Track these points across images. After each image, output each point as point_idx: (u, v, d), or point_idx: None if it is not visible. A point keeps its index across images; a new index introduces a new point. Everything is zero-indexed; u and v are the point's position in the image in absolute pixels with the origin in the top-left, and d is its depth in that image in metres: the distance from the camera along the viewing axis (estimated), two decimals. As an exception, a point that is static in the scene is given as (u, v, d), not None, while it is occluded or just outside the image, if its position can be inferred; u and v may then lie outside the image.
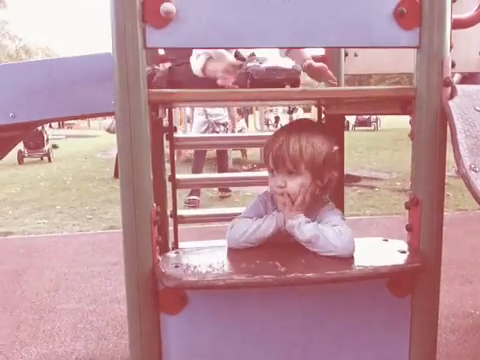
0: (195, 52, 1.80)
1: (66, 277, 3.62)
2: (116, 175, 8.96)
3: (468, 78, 1.88)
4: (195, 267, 1.24)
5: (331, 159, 1.40)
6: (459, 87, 1.30)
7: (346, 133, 2.24)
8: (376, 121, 22.61)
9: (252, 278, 1.16)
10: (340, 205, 2.24)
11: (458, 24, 1.36)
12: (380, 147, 13.41)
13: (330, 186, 1.46)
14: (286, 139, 1.37)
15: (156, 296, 1.29)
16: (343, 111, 2.01)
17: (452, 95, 1.27)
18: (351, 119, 20.32)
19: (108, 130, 10.10)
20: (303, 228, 1.32)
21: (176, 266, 1.26)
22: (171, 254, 1.39)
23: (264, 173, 1.81)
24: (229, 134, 5.97)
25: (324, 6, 1.25)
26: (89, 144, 16.60)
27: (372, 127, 22.60)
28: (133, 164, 1.24)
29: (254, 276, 1.16)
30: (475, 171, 1.13)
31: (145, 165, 1.26)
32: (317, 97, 1.49)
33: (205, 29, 1.23)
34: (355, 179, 7.34)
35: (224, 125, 6.77)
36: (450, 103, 1.25)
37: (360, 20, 1.27)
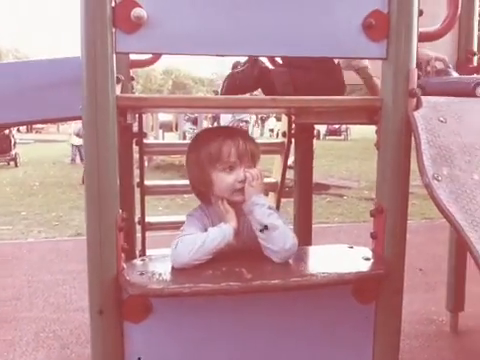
0: None
1: (29, 285, 3.52)
2: (84, 181, 8.78)
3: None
4: (160, 275, 1.23)
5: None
6: (424, 98, 1.33)
7: (317, 142, 2.28)
8: (346, 130, 22.99)
9: (218, 285, 1.16)
10: (308, 213, 2.27)
11: (425, 37, 1.39)
12: (349, 156, 13.63)
13: None
14: (238, 136, 1.39)
15: (120, 304, 1.27)
16: (312, 120, 2.03)
17: (417, 106, 1.31)
18: (322, 128, 20.58)
19: (77, 135, 9.95)
20: (265, 210, 1.32)
21: (141, 274, 1.24)
22: (137, 261, 1.37)
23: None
24: None
25: (295, 17, 1.27)
26: (58, 149, 16.25)
27: (342, 136, 22.95)
28: (99, 169, 1.22)
29: (220, 283, 1.16)
30: (438, 180, 1.16)
31: (111, 170, 1.25)
32: (287, 106, 1.50)
33: (176, 35, 1.23)
34: (324, 187, 7.44)
35: (246, 122, 7.25)
36: (415, 114, 1.28)
37: (330, 31, 1.29)
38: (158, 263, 1.35)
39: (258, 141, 1.63)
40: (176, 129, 12.83)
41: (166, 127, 13.26)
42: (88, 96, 1.21)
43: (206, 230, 1.35)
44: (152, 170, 8.32)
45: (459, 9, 1.41)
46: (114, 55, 1.22)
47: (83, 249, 1.29)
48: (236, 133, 1.44)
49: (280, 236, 1.30)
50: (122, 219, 1.30)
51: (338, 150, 15.48)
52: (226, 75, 1.89)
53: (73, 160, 12.50)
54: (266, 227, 1.30)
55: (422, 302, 3.00)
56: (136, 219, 2.23)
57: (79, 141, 12.06)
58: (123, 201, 1.96)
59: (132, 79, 2.14)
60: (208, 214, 1.44)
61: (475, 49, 2.30)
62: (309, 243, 2.23)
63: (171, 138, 14.17)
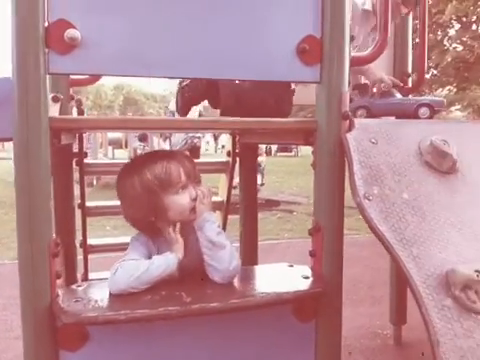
0: None
1: (-34, 311, 3.33)
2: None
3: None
4: (97, 301, 1.20)
5: None
6: (356, 120, 1.39)
7: (268, 159, 2.31)
8: (296, 147, 23.46)
9: (155, 311, 1.14)
10: (254, 230, 2.29)
11: (356, 61, 1.45)
12: (299, 172, 13.86)
13: None
14: (176, 157, 1.38)
15: (55, 332, 1.22)
16: (255, 140, 2.06)
17: (350, 128, 1.36)
18: (273, 145, 20.90)
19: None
20: (216, 227, 1.34)
21: (76, 300, 1.20)
22: (74, 287, 1.32)
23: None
24: None
25: (229, 40, 1.30)
26: (1, 166, 15.61)
27: (293, 153, 23.39)
28: (30, 192, 1.19)
29: (157, 309, 1.14)
30: (368, 199, 1.20)
31: (44, 193, 1.21)
32: (229, 127, 1.52)
33: (110, 57, 1.22)
34: (275, 203, 7.53)
35: (199, 138, 7.79)
36: (347, 136, 1.33)
37: (264, 55, 1.33)
38: (96, 289, 1.31)
39: (204, 160, 1.63)
40: (126, 146, 12.64)
41: (116, 144, 13.05)
42: (19, 117, 1.17)
43: (150, 257, 1.33)
44: (100, 189, 8.12)
45: (389, 34, 1.48)
46: (47, 76, 1.19)
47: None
48: (175, 154, 1.43)
49: (226, 255, 1.30)
50: (56, 244, 1.26)
51: (289, 166, 15.74)
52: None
53: None
54: (214, 244, 1.31)
55: (367, 316, 3.07)
56: (78, 242, 2.17)
57: None
58: (62, 224, 1.91)
59: (72, 98, 2.09)
60: (154, 240, 1.39)
61: (410, 71, 2.43)
62: (255, 261, 2.24)
63: (121, 155, 13.98)
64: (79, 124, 1.34)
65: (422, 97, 2.07)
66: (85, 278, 2.14)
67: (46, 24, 1.18)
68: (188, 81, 1.88)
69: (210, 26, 1.28)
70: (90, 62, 1.22)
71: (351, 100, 1.41)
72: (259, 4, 1.32)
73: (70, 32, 1.18)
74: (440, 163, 1.31)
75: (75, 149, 2.08)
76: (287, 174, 13.22)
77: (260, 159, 8.27)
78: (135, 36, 1.25)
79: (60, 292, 1.24)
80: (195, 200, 1.35)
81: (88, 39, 1.20)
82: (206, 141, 25.22)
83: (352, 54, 1.41)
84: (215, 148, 24.31)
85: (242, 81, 1.78)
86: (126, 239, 2.70)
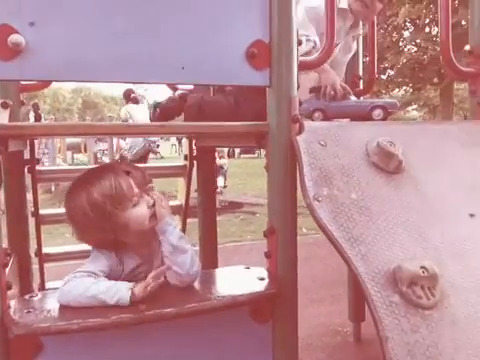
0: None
1: None
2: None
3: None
4: (49, 311, 1.18)
5: None
6: (306, 123, 1.42)
7: (231, 161, 2.32)
8: (259, 149, 23.58)
9: (108, 319, 1.13)
10: (213, 233, 2.29)
11: (304, 66, 1.48)
12: (262, 174, 13.91)
13: None
14: (120, 168, 1.34)
15: (7, 345, 1.19)
16: (212, 143, 2.07)
17: (300, 131, 1.38)
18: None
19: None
20: (177, 231, 1.33)
21: (29, 311, 1.18)
22: (27, 298, 1.29)
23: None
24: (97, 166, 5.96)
25: (180, 45, 1.30)
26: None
27: (255, 154, 23.53)
28: (-24, 204, 1.15)
29: (110, 317, 1.13)
30: (318, 201, 1.23)
31: (-10, 204, 1.18)
32: (178, 132, 1.52)
33: (56, 62, 1.20)
34: (238, 206, 7.55)
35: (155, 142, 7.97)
36: (298, 138, 1.35)
37: (214, 60, 1.33)
38: (50, 298, 1.28)
39: (162, 164, 1.62)
40: (85, 150, 12.39)
41: (75, 149, 12.77)
42: (-38, 126, 1.14)
43: (111, 269, 1.30)
44: (59, 195, 7.91)
45: (335, 40, 1.52)
46: (-7, 83, 1.17)
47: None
48: (120, 165, 1.39)
49: (187, 260, 1.30)
50: (6, 254, 1.23)
51: (251, 168, 15.81)
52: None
53: None
54: (177, 248, 1.30)
55: (328, 314, 3.12)
56: (33, 251, 2.11)
57: None
58: (15, 232, 1.86)
59: (23, 103, 2.04)
60: (117, 252, 1.35)
61: (360, 74, 2.50)
62: (215, 264, 2.24)
63: (81, 159, 13.68)
64: (26, 131, 1.31)
65: (376, 99, 2.13)
66: (42, 288, 2.09)
67: (-12, 29, 1.15)
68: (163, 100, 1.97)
69: (158, 31, 1.28)
70: (35, 68, 1.20)
71: (300, 103, 1.43)
72: (208, 9, 1.33)
73: (13, 37, 1.15)
74: (386, 163, 1.36)
75: (27, 156, 2.03)
76: (250, 176, 13.27)
77: (223, 161, 8.29)
78: (80, 41, 1.22)
79: (12, 303, 1.21)
80: (153, 206, 1.33)
81: (32, 44, 1.17)
82: (171, 144, 25.09)
83: (300, 59, 1.44)
84: (178, 151, 24.18)
85: (207, 94, 1.85)
86: (85, 246, 2.66)
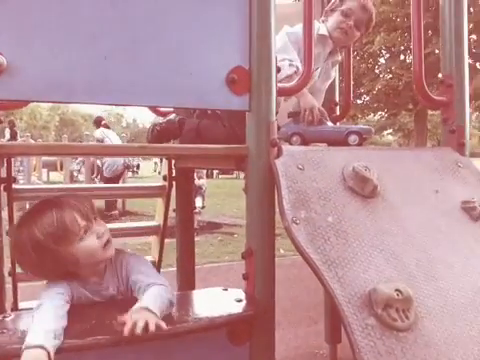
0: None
1: None
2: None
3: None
4: (24, 332, 1.15)
5: None
6: (284, 147, 1.45)
7: (210, 181, 2.34)
8: (218, 170, 23.67)
9: (85, 341, 1.12)
10: (191, 255, 2.29)
11: (283, 92, 1.53)
12: (240, 194, 13.93)
13: None
14: (67, 202, 1.29)
15: (-22, 368, 1.16)
16: (191, 165, 2.08)
17: (278, 154, 1.42)
18: (215, 168, 20.98)
19: None
20: (147, 312, 1.15)
21: (2, 332, 1.16)
22: (-1, 318, 1.27)
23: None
24: (73, 185, 5.86)
25: (161, 68, 1.33)
26: None
27: (234, 175, 23.60)
28: (-48, 223, 1.14)
29: (87, 338, 1.12)
30: (296, 224, 1.25)
31: (-33, 223, 1.16)
32: (163, 153, 1.53)
33: (36, 83, 1.21)
34: (216, 226, 7.53)
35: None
36: (276, 162, 1.38)
37: (196, 84, 1.37)
38: (24, 319, 1.26)
39: (140, 184, 1.61)
40: (62, 169, 12.21)
41: (50, 166, 12.59)
42: None
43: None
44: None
45: (312, 67, 1.56)
46: (-29, 101, 1.17)
47: None
48: (64, 198, 1.33)
49: (168, 302, 1.25)
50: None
51: (230, 188, 15.83)
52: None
53: None
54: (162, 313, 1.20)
55: (305, 336, 3.12)
56: (6, 270, 2.07)
57: None
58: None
59: (0, 122, 2.03)
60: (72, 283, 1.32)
61: (337, 100, 2.56)
62: (192, 286, 2.23)
63: (57, 178, 13.47)
64: (4, 150, 1.30)
65: (351, 125, 2.20)
66: (15, 308, 2.04)
67: (-30, 49, 1.15)
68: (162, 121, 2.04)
69: (139, 55, 1.30)
70: (15, 88, 1.20)
71: (279, 128, 1.47)
72: (189, 35, 1.36)
73: (-5, 58, 1.16)
74: (362, 188, 1.39)
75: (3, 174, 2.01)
76: (228, 196, 13.29)
77: (201, 182, 8.28)
78: (60, 63, 1.24)
79: (-17, 324, 1.19)
80: (104, 235, 1.30)
81: (14, 65, 1.18)
82: (154, 162, 25.04)
83: (279, 85, 1.48)
84: (159, 169, 24.05)
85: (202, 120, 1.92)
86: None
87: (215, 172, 21.38)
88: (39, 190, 2.22)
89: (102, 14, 1.27)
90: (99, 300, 1.36)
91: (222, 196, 12.95)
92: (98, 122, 8.86)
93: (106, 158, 8.26)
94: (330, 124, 1.94)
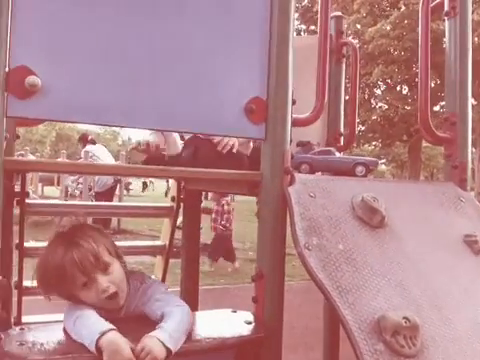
0: None
1: None
2: None
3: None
4: (42, 344, 1.19)
5: (114, 244, 1.45)
6: (297, 175, 1.51)
7: (204, 203, 2.37)
8: (230, 194, 23.69)
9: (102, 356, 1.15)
10: (195, 276, 2.32)
11: (297, 122, 1.60)
12: (235, 218, 13.99)
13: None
14: (75, 246, 1.31)
15: (-3, 378, 1.19)
16: (201, 188, 2.14)
17: (291, 182, 1.48)
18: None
19: None
20: (168, 339, 1.19)
21: (21, 344, 1.18)
22: (14, 331, 1.30)
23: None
24: (83, 202, 5.86)
25: (185, 95, 1.40)
26: None
27: (229, 198, 23.62)
28: (-20, 234, 1.18)
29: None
30: (308, 249, 1.31)
31: (-7, 235, 1.21)
32: (176, 176, 1.59)
33: (70, 104, 1.27)
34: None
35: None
36: (289, 189, 1.44)
37: (215, 112, 1.44)
38: (37, 332, 1.30)
39: (149, 204, 1.64)
40: (58, 184, 12.21)
41: (46, 181, 12.59)
42: (-27, 159, 1.18)
43: None
44: (29, 227, 7.71)
45: (325, 100, 1.64)
46: (5, 119, 1.22)
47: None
48: (67, 242, 1.33)
49: (186, 326, 1.29)
50: (1, 285, 1.25)
51: (225, 211, 15.81)
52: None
53: None
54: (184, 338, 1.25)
55: (301, 362, 3.14)
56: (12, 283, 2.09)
57: None
58: (1, 264, 1.85)
59: (18, 137, 2.08)
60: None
61: (342, 130, 2.64)
62: (195, 306, 2.26)
63: (51, 193, 13.46)
64: (32, 166, 1.36)
65: (358, 157, 2.27)
66: (18, 321, 2.06)
67: (7, 69, 1.21)
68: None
69: (166, 81, 1.37)
70: (48, 108, 1.27)
71: (292, 156, 1.53)
72: (213, 65, 1.44)
73: (31, 79, 1.22)
74: (370, 218, 1.45)
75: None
76: (223, 219, 13.28)
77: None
78: (91, 86, 1.31)
79: (2, 335, 1.22)
80: (106, 291, 1.30)
81: (47, 86, 1.24)
82: (143, 181, 25.05)
83: (293, 116, 1.56)
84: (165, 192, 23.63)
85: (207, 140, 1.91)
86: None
87: (210, 194, 21.33)
88: (51, 205, 2.26)
89: (129, 41, 1.34)
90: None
91: (217, 218, 12.92)
92: (84, 139, 8.72)
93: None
94: (337, 154, 2.02)
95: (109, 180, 8.52)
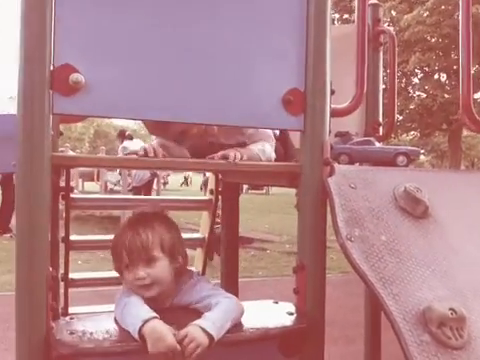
0: None
1: None
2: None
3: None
4: (92, 334, 1.23)
5: (179, 242, 1.47)
6: (337, 166, 1.50)
7: (240, 196, 2.38)
8: (268, 186, 23.69)
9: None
10: (235, 268, 2.34)
11: (336, 113, 1.58)
12: (271, 210, 14.02)
13: (185, 266, 1.49)
14: (134, 231, 1.39)
15: (49, 364, 1.24)
16: (239, 180, 2.15)
17: (331, 173, 1.47)
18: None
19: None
20: (211, 326, 1.23)
21: (71, 333, 1.23)
22: (65, 320, 1.35)
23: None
24: (127, 196, 6.00)
25: (223, 88, 1.41)
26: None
27: (263, 191, 23.61)
28: (31, 227, 1.23)
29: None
30: (351, 241, 1.30)
31: (43, 228, 1.26)
32: (214, 169, 1.61)
33: (113, 101, 1.31)
34: (248, 241, 7.56)
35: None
36: (329, 180, 1.43)
37: (254, 104, 1.44)
38: (86, 322, 1.34)
39: (187, 197, 1.65)
40: (98, 179, 12.52)
41: (87, 177, 12.91)
42: (23, 154, 1.24)
43: None
44: (71, 221, 7.96)
45: (365, 89, 1.62)
46: (51, 116, 1.26)
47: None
48: (134, 225, 1.42)
49: (236, 315, 1.33)
50: (52, 277, 1.30)
51: (260, 204, 15.87)
52: None
53: None
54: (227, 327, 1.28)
55: (342, 355, 3.12)
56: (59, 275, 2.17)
57: None
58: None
59: (61, 134, 2.15)
60: None
61: (380, 120, 2.60)
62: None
63: (92, 188, 13.81)
64: (77, 162, 1.40)
65: (399, 146, 2.23)
66: (65, 312, 2.13)
67: (51, 68, 1.25)
68: None
69: (204, 76, 1.39)
70: (91, 105, 1.30)
71: (332, 147, 1.52)
72: (249, 58, 1.44)
73: (74, 76, 1.26)
74: (413, 208, 1.43)
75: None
76: (258, 212, 13.32)
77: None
78: (133, 81, 1.34)
79: (53, 325, 1.27)
80: (141, 279, 1.35)
81: (91, 83, 1.28)
82: (184, 175, 25.29)
83: (332, 106, 1.54)
84: (201, 187, 23.76)
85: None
86: (104, 274, 2.71)
87: (245, 187, 21.45)
88: (94, 200, 2.33)
89: (169, 37, 1.36)
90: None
91: (252, 211, 12.98)
92: (122, 135, 9.01)
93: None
94: (377, 144, 1.99)
95: (146, 175, 8.73)
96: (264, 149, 1.68)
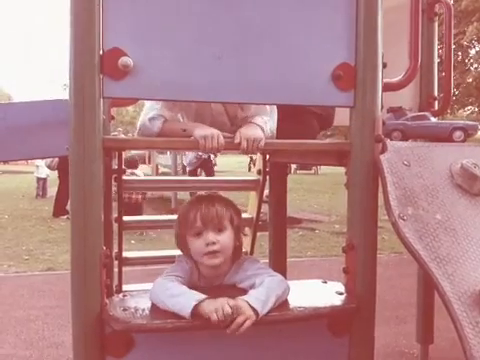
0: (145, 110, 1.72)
1: (0, 321, 3.43)
2: (55, 214, 8.65)
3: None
4: (143, 310, 1.27)
5: (242, 223, 1.53)
6: (389, 143, 1.45)
7: (289, 176, 2.36)
8: (316, 165, 23.36)
9: (198, 321, 1.21)
10: (283, 247, 2.34)
11: (388, 87, 1.52)
12: (320, 190, 13.87)
13: (241, 247, 1.55)
14: (208, 202, 1.46)
15: (103, 339, 1.29)
16: (286, 160, 2.13)
17: (383, 150, 1.42)
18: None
19: (49, 166, 9.83)
20: (254, 301, 1.26)
21: (124, 309, 1.28)
22: (118, 297, 1.40)
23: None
24: (177, 177, 6.11)
25: (271, 67, 1.38)
26: (26, 181, 15.95)
27: (312, 171, 23.34)
28: (85, 208, 1.28)
29: (200, 319, 1.21)
30: (403, 220, 1.26)
31: (96, 209, 1.30)
32: (265, 148, 1.59)
33: (161, 82, 1.32)
34: (297, 221, 7.54)
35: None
36: (381, 158, 1.39)
37: (302, 81, 1.41)
38: (138, 299, 1.39)
39: (235, 178, 1.65)
40: (149, 162, 12.81)
41: (139, 160, 13.25)
42: (75, 138, 1.27)
43: (190, 276, 1.45)
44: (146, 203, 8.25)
45: (419, 62, 1.55)
46: (101, 100, 1.29)
47: (55, 284, 1.32)
48: (206, 199, 1.50)
49: (281, 293, 1.35)
50: (106, 255, 1.34)
51: (309, 184, 15.73)
52: None
53: (38, 195, 12.25)
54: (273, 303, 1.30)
55: (393, 335, 3.08)
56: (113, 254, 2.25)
57: (45, 174, 11.87)
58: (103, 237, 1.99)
59: (113, 118, 2.20)
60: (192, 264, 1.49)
61: (436, 94, 2.48)
62: (284, 277, 2.28)
63: (143, 170, 14.17)
64: (128, 144, 1.43)
65: (455, 121, 2.12)
66: (119, 290, 2.21)
67: (101, 52, 1.27)
68: None
69: (252, 55, 1.37)
70: (140, 87, 1.32)
71: (384, 123, 1.47)
72: (297, 34, 1.40)
73: (124, 60, 1.27)
74: (471, 186, 1.36)
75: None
76: (307, 192, 13.23)
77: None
78: (181, 63, 1.34)
79: (107, 301, 1.32)
80: (212, 245, 1.40)
81: (139, 66, 1.29)
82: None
83: (384, 80, 1.48)
84: (249, 166, 23.75)
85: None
86: (157, 253, 2.78)
87: (293, 167, 21.27)
88: (145, 181, 2.39)
89: (217, 17, 1.35)
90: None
91: (301, 192, 12.92)
92: None
93: (188, 153, 8.66)
94: (433, 119, 1.90)
95: (193, 159, 8.97)
96: (265, 122, 1.66)
